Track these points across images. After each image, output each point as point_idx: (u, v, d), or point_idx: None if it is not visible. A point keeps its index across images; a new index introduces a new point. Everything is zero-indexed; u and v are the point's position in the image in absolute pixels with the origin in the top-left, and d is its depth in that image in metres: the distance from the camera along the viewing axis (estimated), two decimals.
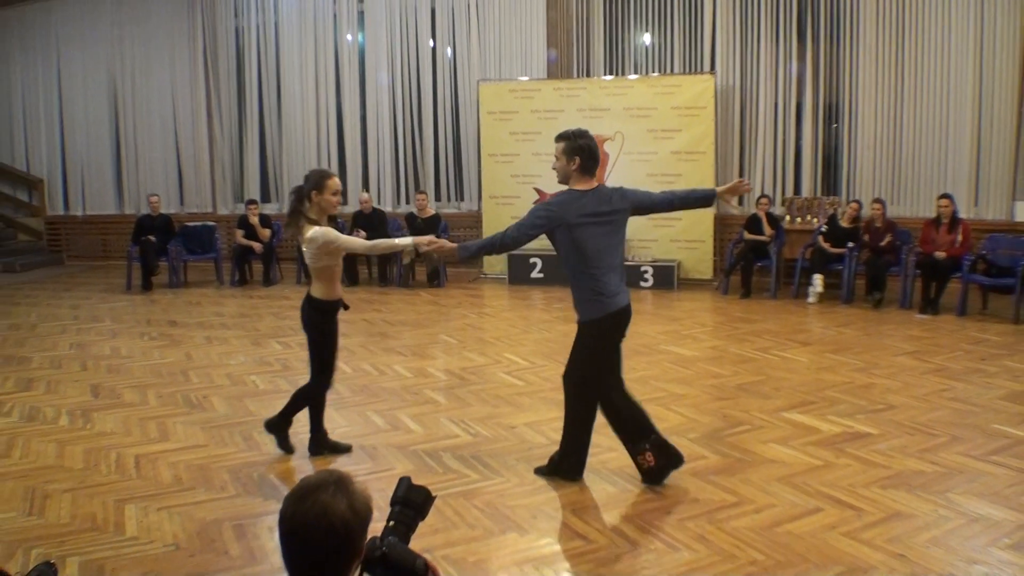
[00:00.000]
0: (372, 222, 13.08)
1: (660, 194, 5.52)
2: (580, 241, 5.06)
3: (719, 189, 5.50)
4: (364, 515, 2.09)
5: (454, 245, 5.32)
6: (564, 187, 5.21)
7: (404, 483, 2.40)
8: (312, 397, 6.00)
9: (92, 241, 17.00)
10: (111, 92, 16.50)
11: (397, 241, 5.72)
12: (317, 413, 6.02)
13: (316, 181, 5.59)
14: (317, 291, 5.75)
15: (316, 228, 5.51)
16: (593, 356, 5.27)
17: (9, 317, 11.42)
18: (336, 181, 5.66)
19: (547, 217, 5.07)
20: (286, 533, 2.04)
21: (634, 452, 5.33)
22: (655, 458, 5.26)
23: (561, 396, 5.38)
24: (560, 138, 5.20)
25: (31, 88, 16.88)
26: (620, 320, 5.26)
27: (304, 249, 5.64)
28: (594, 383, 5.31)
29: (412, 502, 2.36)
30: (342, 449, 6.03)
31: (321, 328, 5.83)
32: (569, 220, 5.02)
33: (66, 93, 16.75)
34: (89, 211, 16.98)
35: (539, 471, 5.49)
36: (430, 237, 5.45)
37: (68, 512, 5.09)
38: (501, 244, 5.20)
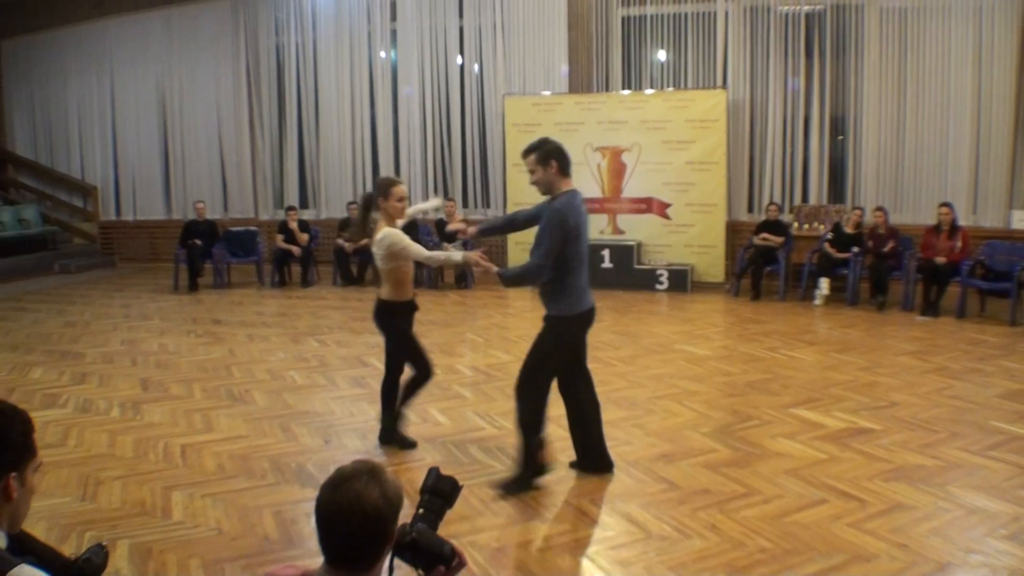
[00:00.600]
0: (404, 227, 13.06)
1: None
2: (577, 238, 4.98)
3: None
4: (395, 503, 2.09)
5: (496, 269, 5.20)
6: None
7: (433, 473, 2.40)
8: (389, 388, 5.95)
9: (142, 244, 17.09)
10: (160, 105, 16.58)
11: (453, 255, 5.75)
12: (389, 404, 5.96)
13: (383, 188, 5.62)
14: (385, 292, 5.74)
15: (386, 229, 5.54)
16: (559, 351, 5.19)
17: (65, 315, 11.51)
18: (401, 188, 5.65)
19: (565, 229, 4.89)
20: (322, 519, 2.05)
21: (540, 445, 5.18)
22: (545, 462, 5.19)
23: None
24: (529, 151, 5.06)
25: (86, 102, 16.99)
26: (590, 319, 5.24)
27: (374, 251, 5.64)
28: (549, 379, 5.20)
29: (441, 491, 2.37)
30: (408, 444, 5.95)
31: (393, 328, 5.81)
32: (579, 221, 4.97)
33: (119, 106, 16.85)
34: (139, 216, 17.07)
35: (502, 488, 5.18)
36: (477, 255, 5.28)
37: (119, 498, 5.13)
38: (535, 277, 5.04)
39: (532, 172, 5.05)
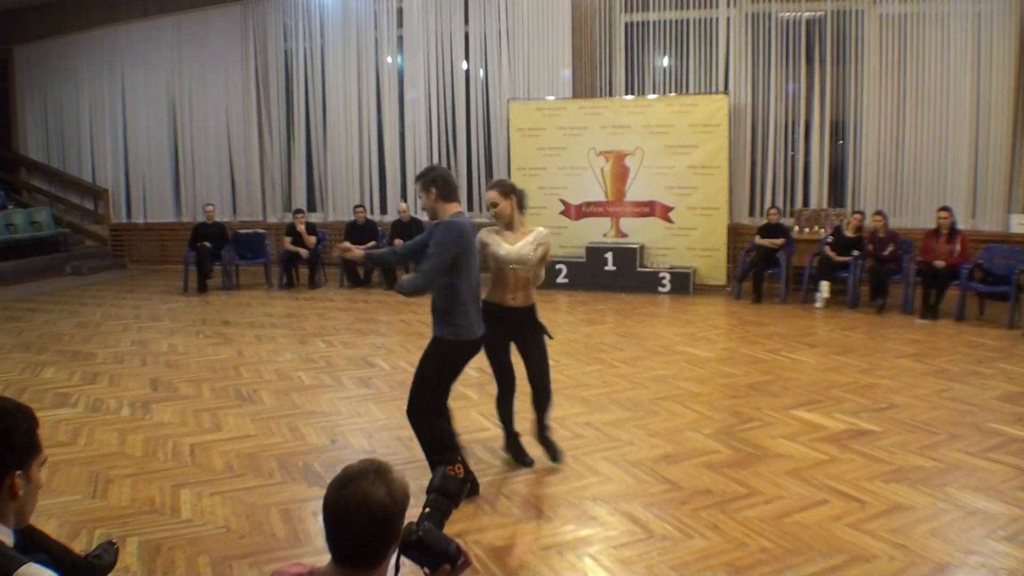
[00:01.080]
0: (409, 230, 13.07)
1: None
2: (471, 259, 4.95)
3: None
4: (402, 501, 2.10)
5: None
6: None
7: (440, 473, 2.40)
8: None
9: (152, 247, 17.11)
10: (170, 110, 16.60)
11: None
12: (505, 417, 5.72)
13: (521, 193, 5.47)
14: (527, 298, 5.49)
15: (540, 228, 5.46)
16: (442, 374, 5.09)
17: (77, 316, 11.53)
18: (488, 194, 5.38)
19: (460, 243, 4.84)
20: (329, 517, 2.06)
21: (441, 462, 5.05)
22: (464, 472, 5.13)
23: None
24: (417, 179, 5.08)
25: (98, 106, 17.01)
26: (476, 348, 5.14)
27: (530, 252, 5.34)
28: (439, 397, 5.16)
29: (447, 490, 2.37)
30: (525, 462, 5.58)
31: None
32: (470, 240, 4.96)
33: (129, 111, 16.87)
34: (150, 219, 17.08)
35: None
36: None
37: (128, 495, 5.14)
38: (424, 284, 4.83)
39: (420, 197, 5.14)
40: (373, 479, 2.05)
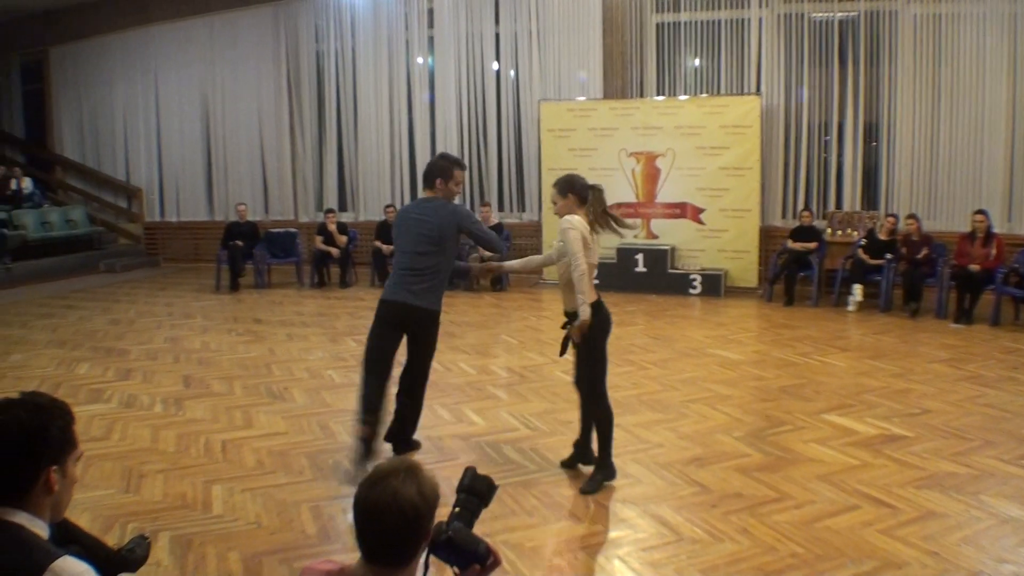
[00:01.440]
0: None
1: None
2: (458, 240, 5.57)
3: None
4: (432, 500, 2.10)
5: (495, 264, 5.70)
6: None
7: (469, 473, 2.41)
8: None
9: (185, 245, 17.26)
10: (203, 110, 16.75)
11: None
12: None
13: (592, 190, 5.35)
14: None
15: (576, 218, 5.17)
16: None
17: (110, 313, 11.64)
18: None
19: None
20: (359, 515, 2.07)
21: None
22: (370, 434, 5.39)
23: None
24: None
25: (132, 106, 17.18)
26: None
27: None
28: None
29: (476, 490, 2.37)
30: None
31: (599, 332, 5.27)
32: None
33: (163, 111, 17.02)
34: (183, 218, 17.23)
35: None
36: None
37: (161, 491, 5.19)
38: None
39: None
40: (404, 478, 2.06)
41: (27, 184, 16.49)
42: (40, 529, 2.23)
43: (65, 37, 17.30)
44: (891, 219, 11.45)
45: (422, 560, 2.18)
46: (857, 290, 11.09)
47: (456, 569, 2.26)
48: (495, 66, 14.72)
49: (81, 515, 4.65)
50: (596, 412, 5.27)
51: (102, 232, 17.24)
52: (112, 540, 4.26)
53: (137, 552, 3.64)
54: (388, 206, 14.24)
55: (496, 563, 2.30)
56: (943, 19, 12.18)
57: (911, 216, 11.22)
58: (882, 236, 11.31)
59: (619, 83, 13.71)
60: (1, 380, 8.03)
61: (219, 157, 16.73)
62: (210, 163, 16.88)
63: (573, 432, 6.03)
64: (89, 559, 2.61)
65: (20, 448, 2.19)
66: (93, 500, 5.01)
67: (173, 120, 16.94)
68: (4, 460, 2.19)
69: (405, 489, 2.03)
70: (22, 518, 2.19)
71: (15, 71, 18.32)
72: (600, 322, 5.08)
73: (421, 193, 5.66)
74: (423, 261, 5.42)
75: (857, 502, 4.87)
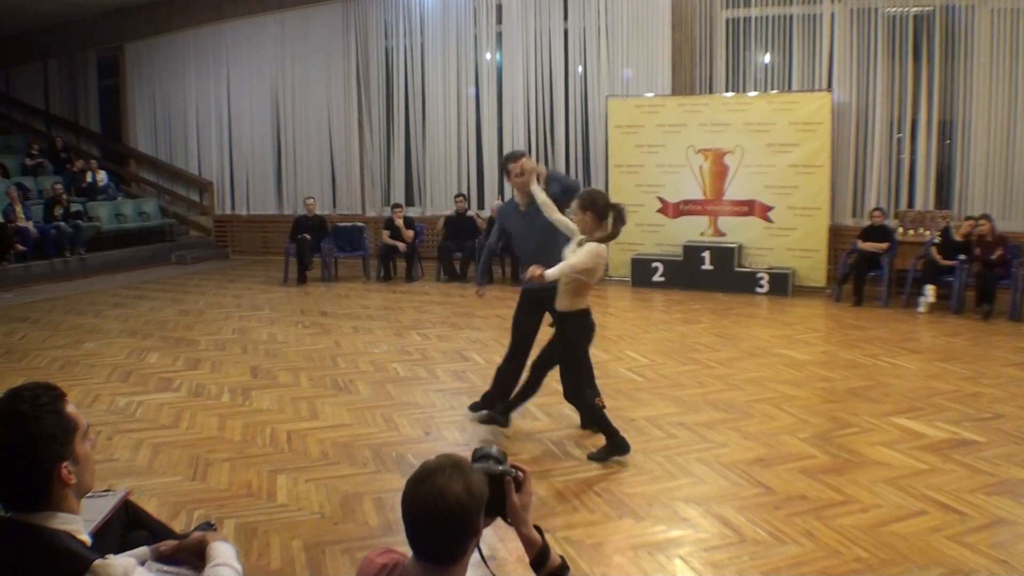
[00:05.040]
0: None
1: None
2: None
3: None
4: (479, 497, 2.10)
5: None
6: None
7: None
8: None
9: (254, 238, 17.55)
10: (273, 105, 17.01)
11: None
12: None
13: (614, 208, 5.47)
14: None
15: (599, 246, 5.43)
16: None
17: (180, 304, 11.87)
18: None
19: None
20: (407, 514, 2.08)
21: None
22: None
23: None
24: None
25: (204, 101, 17.53)
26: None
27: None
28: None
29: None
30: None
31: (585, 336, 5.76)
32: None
33: (234, 105, 17.34)
34: (252, 211, 17.54)
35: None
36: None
37: (227, 479, 5.28)
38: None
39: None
40: (450, 474, 2.06)
41: (102, 177, 16.93)
42: (72, 524, 2.20)
43: (140, 34, 17.70)
44: (969, 223, 11.13)
45: (475, 556, 2.19)
46: (929, 291, 10.86)
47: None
48: (563, 62, 14.61)
49: (149, 501, 4.76)
50: (590, 414, 5.84)
51: (173, 224, 17.63)
52: (179, 526, 4.35)
53: None
54: (457, 195, 14.47)
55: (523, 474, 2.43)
56: (1022, 13, 11.85)
57: (985, 216, 10.96)
58: (958, 237, 11.04)
59: (687, 79, 13.60)
60: (75, 367, 8.26)
61: (288, 152, 16.98)
62: (280, 157, 17.15)
63: (635, 429, 6.02)
64: (156, 543, 2.67)
65: (17, 466, 2.12)
66: (161, 486, 5.12)
67: (244, 115, 17.24)
68: (7, 480, 2.14)
69: (452, 486, 2.04)
70: (51, 520, 2.16)
71: (91, 67, 18.81)
72: (584, 330, 5.58)
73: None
74: None
75: (924, 507, 4.77)
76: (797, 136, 12.35)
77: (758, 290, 12.32)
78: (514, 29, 14.84)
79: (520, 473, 2.39)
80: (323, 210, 15.60)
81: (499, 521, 2.42)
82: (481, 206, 15.30)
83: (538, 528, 2.42)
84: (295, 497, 4.98)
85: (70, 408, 2.24)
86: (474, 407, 6.53)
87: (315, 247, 14.02)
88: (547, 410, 6.68)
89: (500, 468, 2.33)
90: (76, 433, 2.22)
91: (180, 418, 6.58)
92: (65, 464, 2.17)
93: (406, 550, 2.17)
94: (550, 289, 5.51)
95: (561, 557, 2.44)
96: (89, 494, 2.40)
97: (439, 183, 15.72)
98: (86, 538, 2.25)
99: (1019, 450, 5.72)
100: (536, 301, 6.09)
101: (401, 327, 10.11)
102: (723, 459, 5.58)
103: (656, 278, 12.84)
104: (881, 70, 12.60)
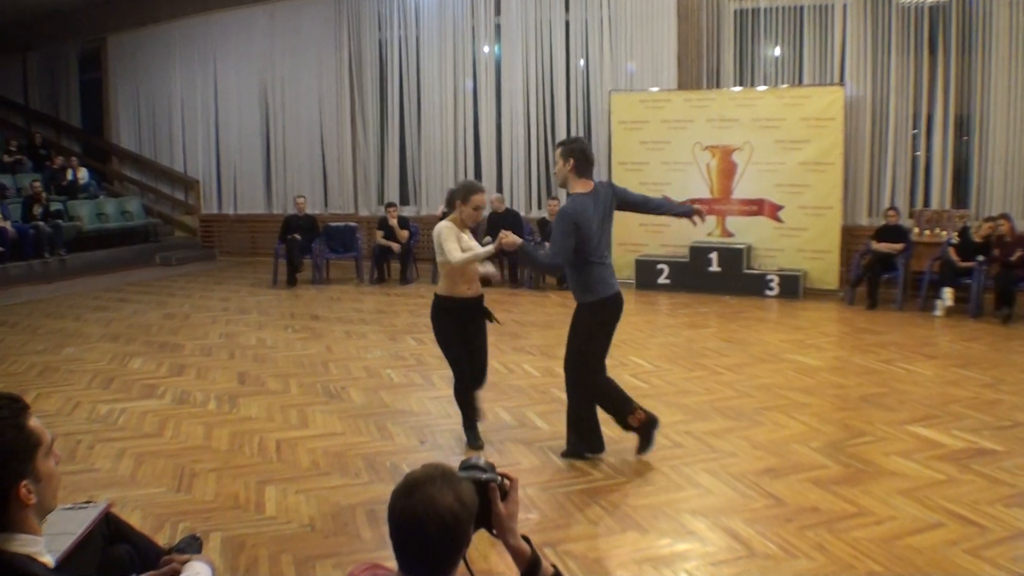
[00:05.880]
0: (505, 221, 13.04)
1: (638, 195, 6.32)
2: (587, 236, 5.46)
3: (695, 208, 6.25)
4: (471, 506, 2.09)
5: (520, 241, 5.53)
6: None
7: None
8: (455, 393, 6.17)
9: (242, 238, 17.53)
10: (262, 100, 16.99)
11: (479, 251, 5.80)
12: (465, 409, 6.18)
13: (464, 193, 5.82)
14: (439, 286, 5.97)
15: (441, 223, 5.81)
16: (591, 335, 5.83)
17: (165, 307, 11.85)
18: (481, 197, 5.87)
19: (573, 227, 5.41)
20: (396, 526, 2.05)
21: (624, 415, 5.72)
22: (644, 415, 5.68)
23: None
24: (558, 145, 5.77)
25: (190, 96, 17.51)
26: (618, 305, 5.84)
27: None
28: (592, 360, 5.86)
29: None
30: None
31: (434, 321, 6.02)
32: (582, 222, 5.44)
33: (221, 101, 17.33)
34: (240, 210, 17.52)
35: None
36: (501, 237, 5.53)
37: (213, 490, 5.26)
38: (548, 269, 5.53)
39: (556, 162, 5.78)
40: (440, 484, 2.04)
41: (83, 174, 16.91)
42: (32, 547, 2.17)
43: (123, 25, 17.69)
44: (990, 224, 11.09)
45: (463, 569, 2.17)
46: (946, 293, 10.83)
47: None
48: (564, 55, 14.63)
49: (132, 513, 4.74)
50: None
51: (158, 224, 17.60)
52: (163, 539, 4.32)
53: (188, 552, 3.69)
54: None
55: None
56: None
57: (1004, 215, 10.95)
58: (977, 238, 11.02)
59: (694, 73, 13.59)
60: (54, 373, 8.24)
61: (278, 149, 16.97)
62: (269, 155, 17.15)
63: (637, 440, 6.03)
64: (139, 558, 2.66)
65: None
66: (144, 498, 5.09)
67: (232, 110, 17.23)
68: None
69: (442, 496, 2.01)
70: (10, 542, 2.12)
71: (73, 60, 18.79)
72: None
73: (584, 185, 5.65)
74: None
75: (942, 519, 4.75)
76: (808, 132, 12.33)
77: (768, 293, 12.30)
78: (513, 20, 14.83)
79: (507, 481, 2.37)
80: (314, 209, 15.57)
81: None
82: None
83: (526, 538, 2.40)
84: (284, 509, 4.96)
85: (33, 422, 2.18)
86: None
87: (306, 248, 14.01)
88: (547, 419, 6.68)
89: (485, 476, 2.32)
90: (38, 449, 2.16)
91: (164, 426, 6.56)
92: (25, 483, 2.11)
93: (394, 564, 2.15)
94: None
95: (554, 567, 2.42)
96: (69, 506, 2.38)
97: (435, 181, 15.68)
98: (48, 560, 2.22)
99: None
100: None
101: (395, 331, 10.08)
102: (731, 469, 5.56)
103: (661, 280, 12.82)
104: (896, 63, 12.59)
